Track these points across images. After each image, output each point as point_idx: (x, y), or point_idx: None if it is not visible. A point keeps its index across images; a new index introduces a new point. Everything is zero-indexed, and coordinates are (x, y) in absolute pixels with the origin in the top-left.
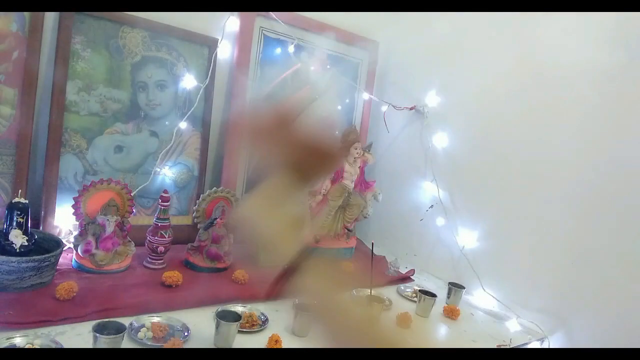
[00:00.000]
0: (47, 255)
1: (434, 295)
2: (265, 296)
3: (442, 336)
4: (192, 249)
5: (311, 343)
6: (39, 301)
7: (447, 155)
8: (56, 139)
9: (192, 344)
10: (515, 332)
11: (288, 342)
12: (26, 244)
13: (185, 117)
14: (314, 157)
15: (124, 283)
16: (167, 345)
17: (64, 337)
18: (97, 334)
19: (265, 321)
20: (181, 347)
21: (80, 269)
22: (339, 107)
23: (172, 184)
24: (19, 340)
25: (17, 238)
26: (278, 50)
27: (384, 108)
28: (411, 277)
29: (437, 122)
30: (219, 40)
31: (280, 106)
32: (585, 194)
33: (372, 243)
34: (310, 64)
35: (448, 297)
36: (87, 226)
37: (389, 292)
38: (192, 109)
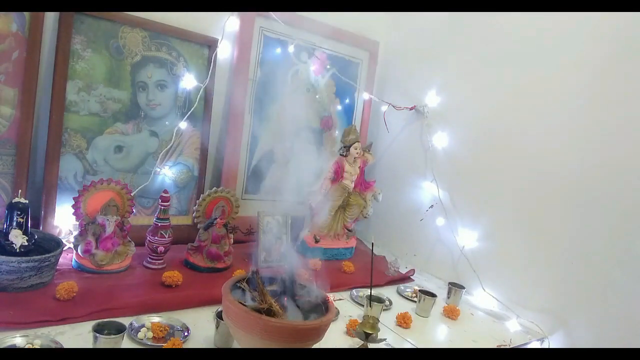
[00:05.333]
0: (47, 255)
1: (434, 295)
2: None
3: (442, 336)
4: (192, 249)
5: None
6: (39, 301)
7: (447, 155)
8: (56, 139)
9: (192, 344)
10: (515, 332)
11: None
12: (26, 244)
13: (185, 117)
14: None
15: (124, 283)
16: (167, 345)
17: (64, 337)
18: (97, 334)
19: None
20: (181, 347)
21: (80, 269)
22: (339, 107)
23: (172, 184)
24: (19, 340)
25: (17, 238)
26: (278, 50)
27: (384, 108)
28: (411, 277)
29: (437, 122)
30: (219, 40)
31: None
32: (586, 194)
33: (372, 243)
34: (310, 64)
35: (448, 297)
36: (87, 226)
37: (389, 292)
38: (192, 109)
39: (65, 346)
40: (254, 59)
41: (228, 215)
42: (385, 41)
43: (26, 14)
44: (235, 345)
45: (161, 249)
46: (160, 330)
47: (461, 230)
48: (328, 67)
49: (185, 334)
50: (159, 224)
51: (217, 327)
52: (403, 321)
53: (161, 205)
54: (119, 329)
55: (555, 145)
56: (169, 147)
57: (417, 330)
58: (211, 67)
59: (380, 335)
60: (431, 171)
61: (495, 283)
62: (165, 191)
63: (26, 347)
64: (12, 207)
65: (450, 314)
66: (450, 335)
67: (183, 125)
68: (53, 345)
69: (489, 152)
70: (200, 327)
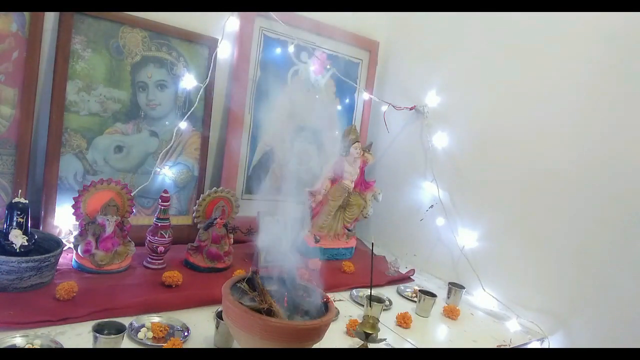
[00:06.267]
0: (47, 255)
1: (434, 295)
2: None
3: (442, 336)
4: (192, 249)
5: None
6: (39, 301)
7: (447, 155)
8: (56, 139)
9: (192, 344)
10: (515, 332)
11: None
12: (26, 244)
13: (185, 117)
14: None
15: (124, 283)
16: (167, 345)
17: (64, 337)
18: (97, 334)
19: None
20: (181, 347)
21: (80, 269)
22: (339, 107)
23: (172, 184)
24: (19, 340)
25: (17, 238)
26: (278, 50)
27: (384, 108)
28: (411, 277)
29: (437, 122)
30: (219, 40)
31: None
32: (586, 195)
33: (372, 243)
34: (310, 64)
35: (448, 297)
36: (87, 226)
37: (389, 292)
38: (192, 109)
39: (65, 346)
40: (254, 59)
41: (228, 215)
42: (385, 41)
43: (26, 14)
44: (235, 345)
45: (161, 249)
46: (160, 330)
47: (461, 230)
48: (328, 67)
49: (185, 334)
50: (159, 224)
51: (217, 327)
52: (403, 321)
53: (161, 205)
54: (119, 329)
55: (555, 145)
56: (169, 147)
57: (417, 330)
58: (211, 67)
59: (380, 335)
60: (431, 171)
61: (495, 283)
62: (165, 191)
63: (26, 347)
64: (12, 207)
65: (450, 314)
66: (450, 335)
67: (183, 125)
68: (53, 345)
69: (489, 152)
70: (200, 327)
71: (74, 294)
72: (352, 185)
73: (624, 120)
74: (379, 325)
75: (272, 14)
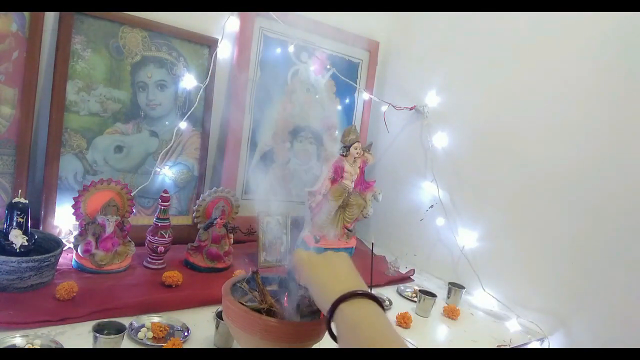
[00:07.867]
0: (47, 255)
1: (434, 295)
2: None
3: (442, 336)
4: (192, 249)
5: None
6: (39, 301)
7: (447, 155)
8: (56, 139)
9: (192, 344)
10: (515, 332)
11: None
12: (26, 244)
13: (185, 117)
14: None
15: (124, 283)
16: (167, 345)
17: (64, 337)
18: (97, 334)
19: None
20: (181, 347)
21: (80, 269)
22: (339, 107)
23: (172, 184)
24: (19, 340)
25: (17, 238)
26: (278, 50)
27: (384, 108)
28: (411, 277)
29: (437, 122)
30: (219, 40)
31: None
32: (586, 194)
33: (372, 243)
34: (310, 64)
35: (448, 297)
36: (87, 226)
37: (389, 292)
38: (192, 109)
39: (65, 346)
40: (254, 59)
41: (228, 215)
42: (385, 41)
43: (26, 14)
44: (235, 345)
45: (161, 249)
46: (160, 330)
47: (461, 230)
48: (328, 67)
49: (185, 334)
50: (159, 224)
51: (217, 327)
52: (403, 321)
53: (161, 205)
54: (119, 329)
55: (555, 144)
56: (169, 147)
57: (417, 330)
58: (211, 67)
59: None
60: (431, 171)
61: (495, 283)
62: (165, 191)
63: (26, 347)
64: (12, 207)
65: (450, 314)
66: (450, 335)
67: (183, 125)
68: (53, 345)
69: (489, 152)
70: (200, 327)
71: (74, 294)
72: (352, 185)
73: (624, 120)
74: None
75: (272, 14)
